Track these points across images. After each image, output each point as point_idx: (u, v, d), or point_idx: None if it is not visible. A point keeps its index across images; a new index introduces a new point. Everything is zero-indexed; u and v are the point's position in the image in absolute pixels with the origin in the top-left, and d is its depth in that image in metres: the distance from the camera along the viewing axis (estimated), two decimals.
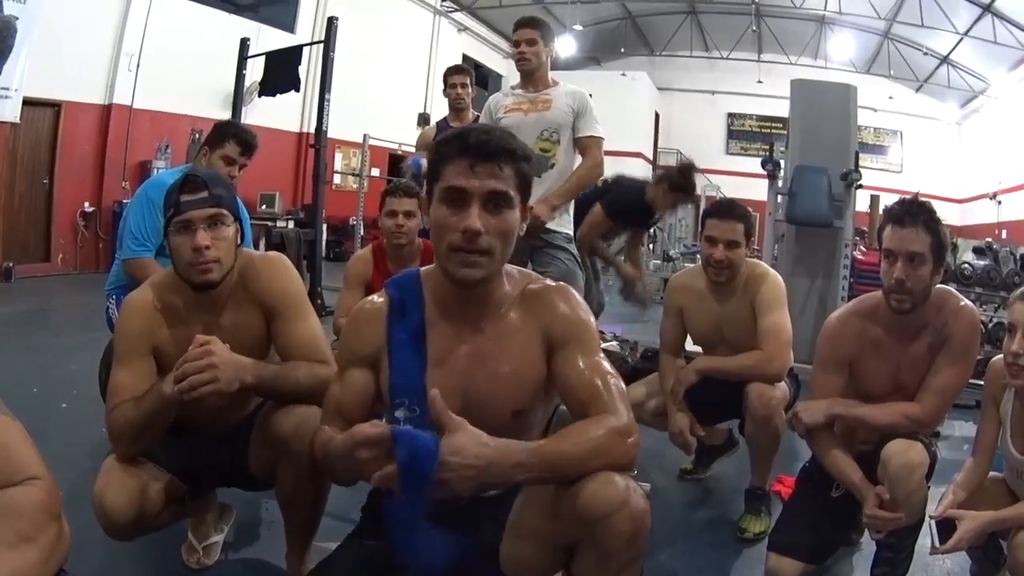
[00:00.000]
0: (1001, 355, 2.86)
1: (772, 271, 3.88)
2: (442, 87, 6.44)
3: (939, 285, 2.89)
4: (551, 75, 4.74)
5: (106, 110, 12.75)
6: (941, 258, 2.78)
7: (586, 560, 1.85)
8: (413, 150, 7.07)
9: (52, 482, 1.67)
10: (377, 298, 2.12)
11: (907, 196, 2.93)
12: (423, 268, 2.14)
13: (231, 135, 4.20)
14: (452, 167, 1.89)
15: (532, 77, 4.68)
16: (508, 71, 25.05)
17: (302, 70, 10.42)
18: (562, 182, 4.57)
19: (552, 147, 4.56)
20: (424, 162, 5.88)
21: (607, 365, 2.00)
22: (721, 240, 3.69)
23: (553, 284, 2.12)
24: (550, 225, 4.48)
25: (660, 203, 5.76)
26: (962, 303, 2.90)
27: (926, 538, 2.84)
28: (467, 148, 1.88)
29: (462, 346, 2.01)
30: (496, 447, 1.68)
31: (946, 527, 2.72)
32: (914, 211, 2.76)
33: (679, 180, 5.70)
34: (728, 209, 3.79)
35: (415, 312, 2.04)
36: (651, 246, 19.27)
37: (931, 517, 2.78)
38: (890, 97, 27.18)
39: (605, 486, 1.76)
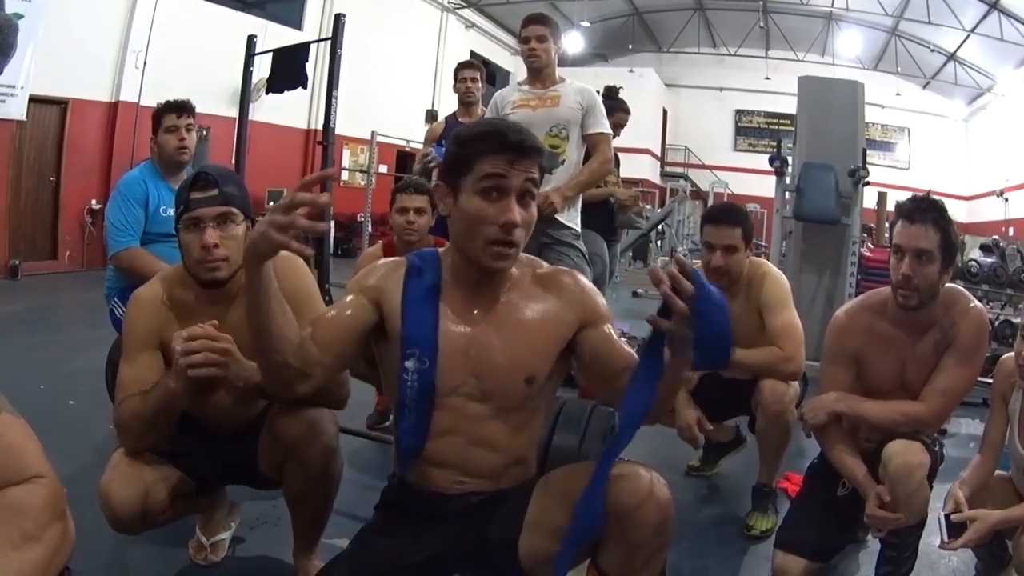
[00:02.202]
0: (1010, 353, 2.86)
1: (775, 269, 3.86)
2: (452, 82, 6.43)
3: (950, 284, 2.89)
4: (558, 72, 4.74)
5: (113, 107, 12.76)
6: (950, 257, 2.78)
7: (613, 552, 1.87)
8: (421, 146, 7.06)
9: (56, 480, 1.66)
10: (396, 260, 2.15)
11: (919, 193, 2.93)
12: (440, 248, 2.17)
13: (162, 111, 4.25)
14: (490, 161, 1.92)
15: (540, 74, 4.68)
16: (516, 68, 25.10)
17: (309, 67, 10.34)
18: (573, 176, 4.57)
19: (561, 143, 4.55)
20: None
21: None
22: (718, 246, 3.66)
23: (561, 268, 2.21)
24: (560, 218, 4.47)
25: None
26: (971, 304, 2.89)
27: (931, 536, 2.85)
28: (507, 145, 1.92)
29: (476, 310, 2.04)
30: None
31: (954, 522, 2.72)
32: (924, 208, 2.76)
33: (605, 101, 5.83)
34: (724, 214, 3.76)
35: (431, 275, 2.07)
36: (658, 243, 19.28)
37: (943, 514, 2.77)
38: (897, 94, 27.16)
39: (631, 478, 1.80)
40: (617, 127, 6.10)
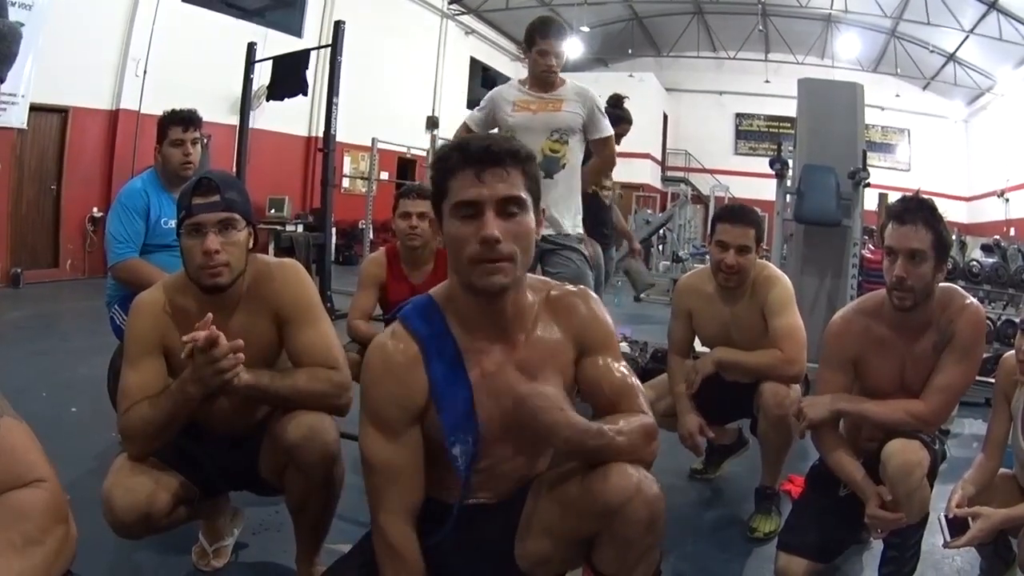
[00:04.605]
0: (1011, 352, 2.86)
1: (780, 273, 3.87)
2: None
3: (946, 283, 2.89)
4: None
5: (113, 115, 12.77)
6: (943, 255, 2.78)
7: (606, 551, 1.88)
8: (422, 153, 7.05)
9: (58, 484, 1.66)
10: (401, 344, 2.00)
11: (909, 193, 2.94)
12: (435, 293, 2.07)
13: (168, 122, 4.19)
14: (459, 180, 1.85)
15: (546, 82, 4.66)
16: (515, 74, 25.05)
17: (310, 74, 10.38)
18: (576, 179, 4.62)
19: (562, 148, 4.54)
20: None
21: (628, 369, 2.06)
22: (732, 245, 3.66)
23: (574, 288, 2.13)
24: (564, 228, 4.48)
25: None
26: (967, 301, 2.89)
27: (935, 536, 2.85)
28: (471, 157, 1.84)
29: (500, 364, 1.98)
30: None
31: (956, 522, 2.72)
32: (914, 208, 2.76)
33: (610, 111, 5.78)
34: (740, 214, 3.76)
35: (447, 343, 1.97)
36: (660, 247, 19.25)
37: (943, 514, 2.77)
38: (897, 95, 27.15)
39: (618, 476, 1.81)
40: (619, 137, 6.11)
